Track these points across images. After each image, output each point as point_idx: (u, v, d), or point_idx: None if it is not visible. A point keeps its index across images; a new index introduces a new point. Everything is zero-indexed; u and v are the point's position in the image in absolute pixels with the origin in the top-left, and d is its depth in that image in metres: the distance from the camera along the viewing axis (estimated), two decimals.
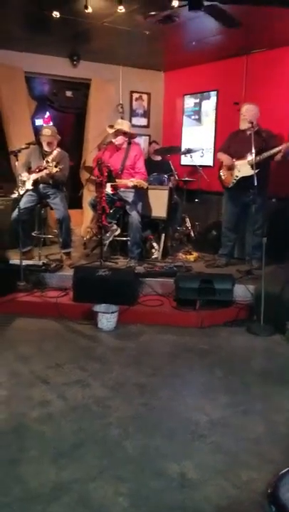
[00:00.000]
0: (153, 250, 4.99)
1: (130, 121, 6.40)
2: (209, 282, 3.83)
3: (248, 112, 4.29)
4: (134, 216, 4.53)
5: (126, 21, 3.99)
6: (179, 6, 3.12)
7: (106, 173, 4.29)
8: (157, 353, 3.30)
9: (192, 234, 5.74)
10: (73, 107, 6.19)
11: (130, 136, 4.79)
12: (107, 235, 4.65)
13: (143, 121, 6.63)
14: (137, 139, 6.21)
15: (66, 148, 4.89)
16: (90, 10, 3.47)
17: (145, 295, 4.12)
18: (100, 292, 3.83)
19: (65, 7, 3.74)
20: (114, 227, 4.78)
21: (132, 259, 4.58)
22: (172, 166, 5.53)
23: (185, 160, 6.34)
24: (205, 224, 5.85)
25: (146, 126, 6.67)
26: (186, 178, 5.89)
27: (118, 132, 4.65)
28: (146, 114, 6.63)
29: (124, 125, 4.67)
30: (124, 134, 4.67)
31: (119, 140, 4.67)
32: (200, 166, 5.88)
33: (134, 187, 4.43)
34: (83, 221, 6.23)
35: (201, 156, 6.18)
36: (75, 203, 5.75)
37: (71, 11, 3.85)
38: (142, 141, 6.56)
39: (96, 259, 4.57)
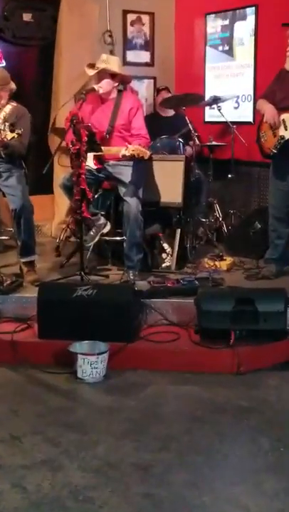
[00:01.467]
0: (163, 255, 5.02)
1: (124, 56, 6.51)
2: (249, 303, 3.82)
3: None
4: (132, 204, 4.55)
5: None
6: None
7: (85, 138, 4.32)
8: (170, 415, 3.28)
9: (224, 228, 5.76)
10: (35, 37, 6.22)
11: (122, 80, 4.82)
12: (91, 233, 4.68)
13: (144, 57, 6.68)
14: (134, 84, 6.31)
15: (26, 101, 4.93)
16: None
17: (151, 325, 4.13)
18: (79, 323, 3.84)
19: None
20: (102, 220, 4.82)
21: (129, 270, 4.60)
22: (191, 125, 5.56)
23: (211, 114, 6.37)
24: (244, 213, 5.87)
25: (150, 64, 6.72)
26: (213, 143, 5.93)
27: (102, 74, 4.68)
28: (148, 46, 6.67)
29: (110, 62, 4.71)
30: (113, 76, 4.69)
31: (105, 86, 4.69)
32: (234, 122, 5.90)
33: (131, 157, 4.44)
34: (55, 213, 6.29)
35: (236, 108, 6.20)
36: (41, 185, 5.79)
37: None
38: (142, 88, 6.65)
39: (75, 271, 4.59)
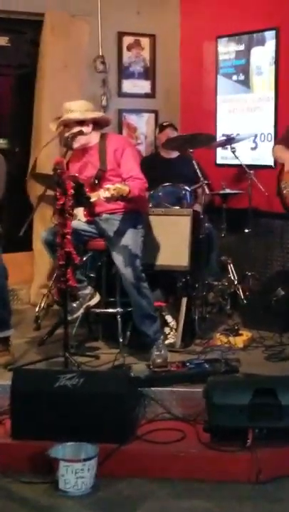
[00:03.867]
0: (166, 330, 5.04)
1: (120, 86, 6.66)
2: (271, 395, 3.80)
3: None
4: (127, 274, 4.62)
5: None
6: None
7: (72, 191, 4.38)
8: None
9: (240, 294, 5.77)
10: (12, 64, 6.39)
11: (97, 124, 4.87)
12: (74, 305, 4.71)
13: (143, 87, 6.85)
14: (132, 120, 6.43)
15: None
16: None
17: (151, 420, 4.09)
18: (62, 420, 3.80)
19: None
20: (88, 290, 4.88)
21: (153, 348, 4.57)
22: (199, 169, 5.65)
23: (224, 156, 6.47)
24: (264, 275, 5.89)
25: (150, 96, 6.89)
26: (227, 190, 5.99)
27: (70, 125, 4.75)
28: (148, 74, 6.84)
29: (73, 109, 4.76)
30: (82, 123, 4.75)
31: (78, 139, 4.75)
32: (251, 166, 5.98)
33: (115, 200, 4.46)
34: (34, 274, 6.32)
35: (253, 149, 6.30)
36: (18, 240, 5.83)
37: None
38: (141, 123, 6.75)
39: (57, 351, 4.60)
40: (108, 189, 4.38)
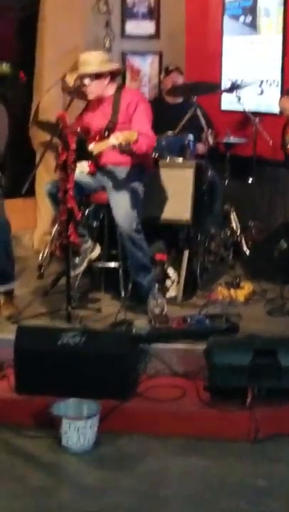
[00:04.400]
0: (168, 283, 5.05)
1: (123, 27, 6.50)
2: (270, 354, 3.83)
3: None
4: (123, 222, 4.60)
5: None
6: None
7: (74, 145, 4.33)
8: (171, 500, 3.29)
9: (243, 245, 5.76)
10: (13, 7, 6.28)
11: (113, 73, 4.81)
12: (76, 260, 4.71)
13: (147, 28, 6.67)
14: (135, 61, 6.29)
15: (2, 85, 4.92)
16: None
17: (151, 376, 4.13)
18: (65, 377, 3.85)
19: None
20: (89, 243, 4.88)
21: (150, 300, 4.63)
22: (204, 117, 5.55)
23: (229, 101, 6.34)
24: (267, 225, 5.86)
25: (154, 37, 6.72)
26: (231, 139, 5.90)
27: (86, 78, 4.68)
28: (153, 15, 6.66)
29: (89, 62, 4.69)
30: (98, 75, 4.70)
31: (93, 90, 4.72)
32: (257, 113, 5.87)
33: (123, 148, 4.42)
34: (37, 221, 6.30)
35: (260, 95, 6.17)
36: (20, 186, 5.77)
37: None
38: (145, 65, 6.62)
39: (61, 301, 4.65)
40: (117, 137, 4.33)
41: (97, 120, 4.80)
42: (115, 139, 4.34)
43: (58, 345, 3.90)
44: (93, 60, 4.71)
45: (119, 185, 4.71)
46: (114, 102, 4.75)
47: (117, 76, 4.90)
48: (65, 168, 4.34)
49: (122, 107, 4.73)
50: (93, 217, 5.13)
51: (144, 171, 4.82)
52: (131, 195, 4.66)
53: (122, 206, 4.64)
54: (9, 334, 4.22)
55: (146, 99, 4.88)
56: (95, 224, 5.18)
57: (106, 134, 4.70)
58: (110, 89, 4.78)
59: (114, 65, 4.88)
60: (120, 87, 4.84)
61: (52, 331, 4.13)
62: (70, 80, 4.83)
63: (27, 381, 3.95)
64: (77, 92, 4.81)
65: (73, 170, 4.39)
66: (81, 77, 4.72)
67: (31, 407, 3.87)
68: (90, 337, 3.96)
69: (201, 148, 5.63)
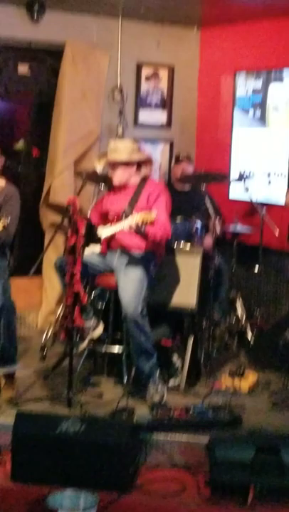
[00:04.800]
0: (171, 370, 5.00)
1: (136, 116, 6.62)
2: (273, 451, 3.75)
3: None
4: (128, 305, 4.57)
5: None
6: None
7: (83, 230, 4.36)
8: None
9: (248, 333, 5.72)
10: (31, 91, 6.37)
11: (141, 163, 4.88)
12: (82, 345, 4.69)
13: (160, 117, 6.80)
14: (147, 148, 6.39)
15: (16, 167, 4.98)
16: None
17: (151, 468, 4.04)
18: (62, 466, 3.77)
19: None
20: (92, 321, 4.84)
21: (149, 386, 4.61)
22: (212, 205, 5.59)
23: (237, 191, 6.41)
24: (272, 315, 5.83)
25: (166, 126, 6.84)
26: (238, 227, 5.94)
27: (115, 165, 4.78)
28: (165, 105, 6.80)
29: (119, 150, 4.77)
30: (127, 164, 4.79)
31: (120, 177, 4.81)
32: (263, 204, 5.94)
33: (136, 227, 4.44)
34: (43, 300, 6.29)
35: (267, 186, 6.26)
36: (27, 264, 5.78)
37: None
38: (156, 153, 6.71)
39: (62, 386, 4.60)
40: (134, 217, 4.39)
41: (116, 204, 4.84)
42: (132, 218, 4.40)
43: (56, 432, 3.83)
44: (123, 149, 4.78)
45: (128, 268, 4.71)
46: (137, 190, 4.82)
47: (144, 166, 4.91)
48: (73, 252, 4.36)
49: (144, 196, 4.79)
50: (99, 299, 5.11)
51: (155, 258, 4.82)
52: (139, 278, 4.66)
53: (129, 289, 4.63)
54: (8, 418, 4.16)
55: (168, 192, 4.93)
56: (100, 306, 5.16)
57: (124, 217, 4.72)
58: (136, 178, 4.85)
59: (143, 155, 4.94)
60: (145, 178, 4.90)
61: (51, 418, 4.05)
62: (99, 166, 4.87)
63: (24, 468, 3.86)
64: (104, 178, 4.88)
65: (81, 254, 4.40)
66: (110, 164, 4.79)
67: (26, 496, 3.75)
68: (90, 425, 3.88)
69: (208, 241, 5.62)
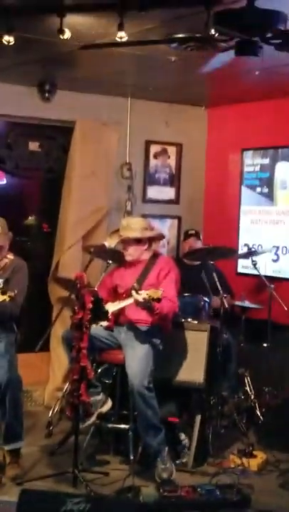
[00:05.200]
0: (179, 448, 4.92)
1: (145, 192, 6.72)
2: None
3: None
4: (135, 378, 4.55)
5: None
6: (217, 42, 3.36)
7: (90, 305, 4.36)
8: None
9: (257, 410, 5.63)
10: (41, 168, 6.50)
11: (152, 240, 4.95)
12: (88, 422, 4.65)
13: (168, 193, 6.92)
14: (155, 224, 6.45)
15: (26, 240, 5.00)
16: (67, 35, 3.78)
17: None
18: None
19: (26, 25, 4.07)
20: (100, 396, 4.81)
21: (158, 464, 4.53)
22: (220, 280, 5.59)
23: (245, 265, 6.45)
24: (282, 391, 5.75)
25: (174, 202, 6.94)
26: (246, 303, 5.92)
27: (128, 242, 4.85)
28: (173, 181, 6.93)
29: (132, 227, 4.85)
30: (138, 240, 4.85)
31: (132, 254, 4.88)
32: (272, 278, 5.95)
33: (146, 305, 4.49)
34: (50, 376, 6.23)
35: (275, 261, 6.27)
36: (35, 340, 5.77)
37: (38, 30, 4.20)
38: (164, 228, 6.77)
39: (67, 464, 4.50)
40: (141, 293, 4.43)
41: (126, 279, 4.88)
42: (139, 294, 4.43)
43: (61, 511, 3.74)
44: (135, 226, 4.86)
45: (135, 341, 4.71)
46: (147, 265, 4.88)
47: (155, 242, 4.99)
48: (80, 327, 4.35)
49: (154, 272, 4.85)
50: (106, 375, 5.07)
51: (162, 332, 4.82)
52: (146, 352, 4.66)
53: (135, 362, 4.61)
54: (13, 497, 4.06)
55: (177, 269, 4.97)
56: (107, 381, 5.11)
57: (132, 293, 4.76)
58: (146, 254, 4.90)
59: (154, 233, 5.01)
60: (156, 254, 4.98)
61: (56, 497, 3.94)
62: (111, 243, 4.93)
63: None
64: (112, 253, 5.01)
65: (88, 329, 4.39)
66: (123, 241, 4.87)
67: None
68: (95, 505, 3.78)
69: (216, 302, 5.61)
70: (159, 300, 4.43)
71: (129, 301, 4.59)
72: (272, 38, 3.24)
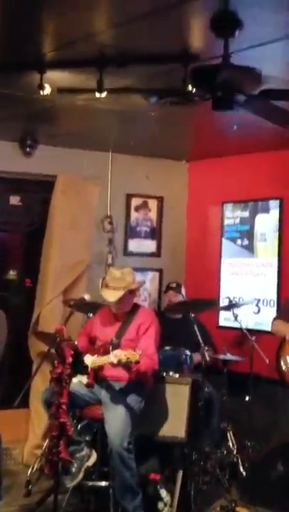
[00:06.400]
0: (160, 505, 4.80)
1: (126, 245, 6.70)
2: None
3: None
4: (114, 438, 4.49)
5: (116, 98, 4.37)
6: (195, 97, 3.42)
7: (70, 359, 4.30)
8: None
9: (240, 465, 5.55)
10: (22, 222, 6.52)
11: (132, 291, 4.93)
12: (72, 469, 4.58)
13: (149, 246, 6.94)
14: (137, 276, 6.44)
15: (5, 293, 4.96)
16: (47, 91, 3.83)
17: None
18: None
19: (7, 81, 4.13)
20: (85, 451, 4.74)
21: None
22: (202, 334, 5.56)
23: (227, 318, 6.43)
24: (265, 446, 5.69)
25: (156, 255, 6.94)
26: (228, 355, 5.88)
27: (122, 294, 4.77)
28: (154, 234, 6.95)
29: (128, 278, 4.81)
30: (131, 292, 4.84)
31: (126, 305, 4.83)
32: (253, 331, 5.93)
33: (123, 366, 4.44)
34: (29, 433, 6.11)
35: (256, 313, 6.26)
36: (15, 396, 5.68)
37: (18, 86, 4.25)
38: (146, 281, 6.75)
39: None
40: (116, 355, 4.39)
41: (105, 332, 4.85)
42: (115, 356, 4.41)
43: None
44: (130, 276, 4.83)
45: (115, 399, 4.66)
46: (128, 318, 4.84)
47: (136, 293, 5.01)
48: (60, 381, 4.26)
49: (134, 325, 4.82)
50: (86, 432, 5.00)
51: (142, 389, 4.77)
52: (126, 411, 4.60)
53: (116, 422, 4.56)
54: None
55: (158, 322, 4.95)
56: (87, 438, 5.03)
57: (110, 348, 4.73)
58: (128, 305, 4.88)
59: (140, 283, 5.03)
60: (137, 305, 4.96)
61: None
62: (108, 297, 4.79)
63: None
64: (92, 306, 5.03)
65: (68, 383, 4.32)
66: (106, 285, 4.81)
67: None
68: None
69: (197, 357, 5.59)
70: (137, 362, 4.40)
71: (108, 359, 4.54)
72: (248, 94, 3.29)
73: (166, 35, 3.42)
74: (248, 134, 5.47)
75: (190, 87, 3.48)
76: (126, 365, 4.46)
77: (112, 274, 4.87)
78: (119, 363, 4.41)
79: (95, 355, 4.74)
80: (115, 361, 4.41)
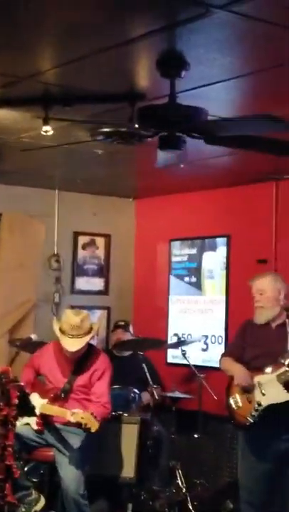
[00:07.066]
0: None
1: (73, 283, 6.67)
2: None
3: (268, 290, 4.45)
4: (71, 485, 4.45)
5: (62, 136, 4.37)
6: (142, 136, 3.43)
7: (16, 401, 4.21)
8: None
9: (189, 504, 5.48)
10: None
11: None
12: None
13: (97, 284, 6.91)
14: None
15: None
16: None
17: None
18: None
19: None
20: (34, 495, 4.66)
21: None
22: (150, 372, 5.54)
23: (175, 355, 6.42)
24: (213, 484, 5.66)
25: (103, 293, 6.92)
26: (176, 393, 5.85)
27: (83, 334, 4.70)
28: (102, 272, 6.92)
29: (83, 325, 4.72)
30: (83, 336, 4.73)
31: (77, 348, 4.69)
32: (202, 368, 5.91)
33: (78, 426, 4.41)
34: None
35: (204, 350, 6.26)
36: None
37: None
38: (93, 319, 6.64)
39: None
40: (75, 417, 4.37)
41: (56, 375, 4.78)
42: (74, 418, 4.39)
43: None
44: (82, 324, 4.73)
45: (68, 445, 4.61)
46: (81, 361, 4.77)
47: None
48: (5, 424, 4.16)
49: (88, 371, 4.76)
50: (33, 474, 4.91)
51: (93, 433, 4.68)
52: (79, 456, 4.57)
53: (70, 468, 4.53)
54: None
55: (111, 366, 4.89)
56: (34, 480, 4.93)
57: (62, 395, 4.71)
58: (83, 349, 4.78)
59: (97, 329, 4.98)
60: (93, 348, 4.90)
61: None
62: (70, 348, 4.70)
63: None
64: (39, 345, 4.94)
65: (14, 425, 4.22)
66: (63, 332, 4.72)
67: None
68: None
69: (146, 397, 5.56)
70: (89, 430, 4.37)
71: (63, 414, 4.50)
72: (195, 133, 3.31)
73: (111, 74, 3.42)
74: (195, 171, 5.53)
75: (137, 126, 3.48)
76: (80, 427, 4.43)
77: (69, 320, 4.73)
78: (77, 424, 4.39)
79: (45, 400, 4.67)
80: (72, 421, 4.39)
